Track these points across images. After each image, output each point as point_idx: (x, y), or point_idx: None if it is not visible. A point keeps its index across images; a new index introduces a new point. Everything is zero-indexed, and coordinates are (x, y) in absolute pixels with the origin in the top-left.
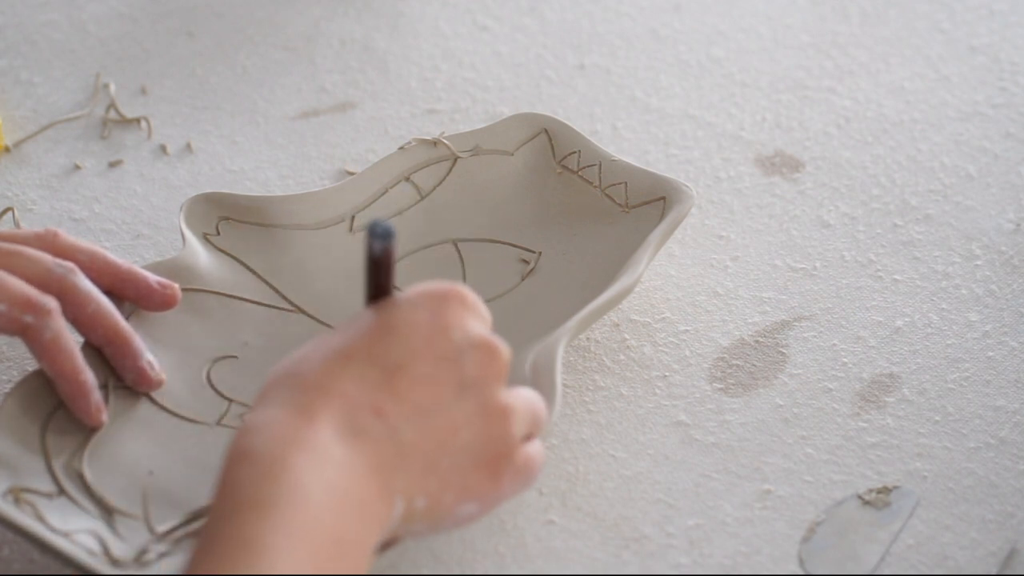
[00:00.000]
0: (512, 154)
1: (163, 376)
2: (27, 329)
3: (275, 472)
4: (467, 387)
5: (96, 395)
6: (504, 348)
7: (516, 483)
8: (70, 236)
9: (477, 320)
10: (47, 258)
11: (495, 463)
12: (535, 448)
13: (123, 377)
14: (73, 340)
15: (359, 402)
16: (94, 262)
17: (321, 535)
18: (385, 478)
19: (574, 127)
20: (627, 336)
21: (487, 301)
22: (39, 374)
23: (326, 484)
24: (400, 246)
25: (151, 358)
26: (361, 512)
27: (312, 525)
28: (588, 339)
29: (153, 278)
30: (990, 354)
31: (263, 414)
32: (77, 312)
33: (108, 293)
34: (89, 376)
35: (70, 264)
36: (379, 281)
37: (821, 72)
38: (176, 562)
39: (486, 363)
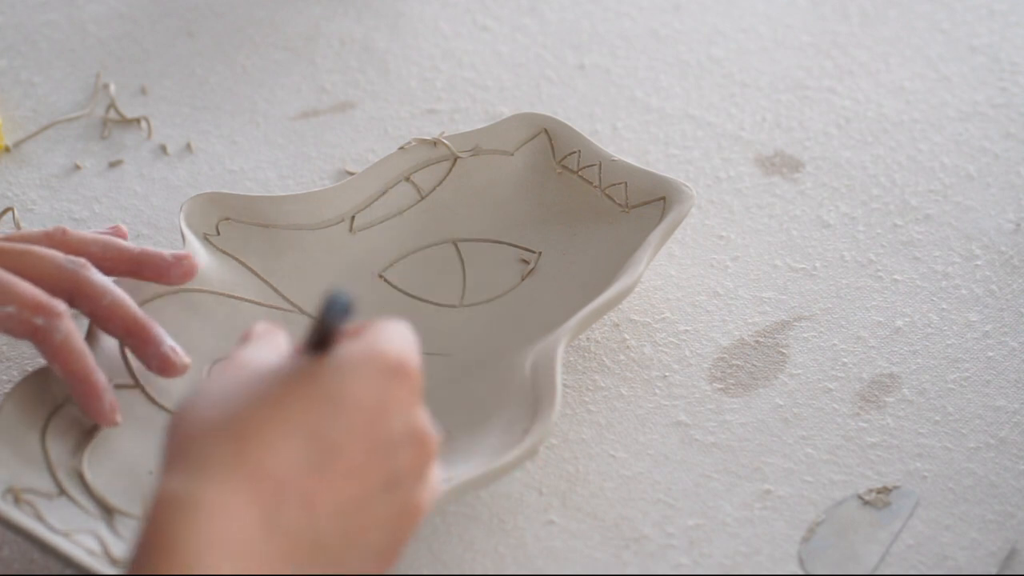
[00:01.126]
0: (512, 154)
1: (187, 360)
2: (37, 331)
3: (189, 560)
4: (392, 483)
5: (110, 395)
6: (435, 437)
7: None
8: (78, 230)
9: (417, 401)
10: (58, 255)
11: (391, 551)
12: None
13: (148, 366)
14: (83, 341)
15: (290, 488)
16: (107, 251)
17: None
18: (295, 569)
19: (574, 127)
20: (627, 336)
21: (487, 301)
22: (39, 374)
23: (239, 565)
24: (400, 246)
25: (173, 343)
26: None
27: None
28: (588, 339)
29: (168, 253)
30: (990, 354)
31: (187, 483)
32: (93, 306)
33: (129, 276)
34: (101, 377)
35: (81, 259)
36: (323, 341)
37: (821, 72)
38: None
39: (417, 456)
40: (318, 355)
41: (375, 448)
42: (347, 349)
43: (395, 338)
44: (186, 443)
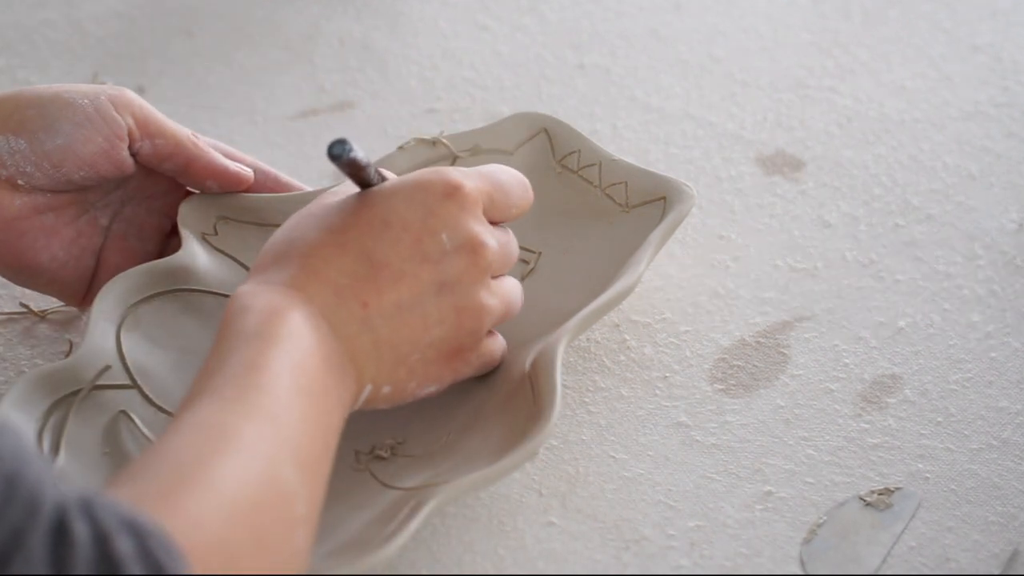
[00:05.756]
0: (512, 154)
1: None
2: None
3: (256, 359)
4: (446, 287)
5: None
6: (491, 244)
7: (474, 370)
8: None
9: (469, 215)
10: None
11: (459, 355)
12: (496, 342)
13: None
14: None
15: (345, 291)
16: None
17: (290, 414)
18: (359, 366)
19: (574, 127)
20: (627, 336)
21: None
22: (36, 375)
23: (301, 365)
24: None
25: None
26: (326, 394)
27: (281, 407)
28: (588, 340)
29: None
30: (992, 355)
31: (258, 288)
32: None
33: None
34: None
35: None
36: (360, 180)
37: (822, 71)
38: None
39: (469, 264)
40: (372, 189)
41: (424, 261)
42: (401, 179)
43: (459, 170)
44: (265, 259)
